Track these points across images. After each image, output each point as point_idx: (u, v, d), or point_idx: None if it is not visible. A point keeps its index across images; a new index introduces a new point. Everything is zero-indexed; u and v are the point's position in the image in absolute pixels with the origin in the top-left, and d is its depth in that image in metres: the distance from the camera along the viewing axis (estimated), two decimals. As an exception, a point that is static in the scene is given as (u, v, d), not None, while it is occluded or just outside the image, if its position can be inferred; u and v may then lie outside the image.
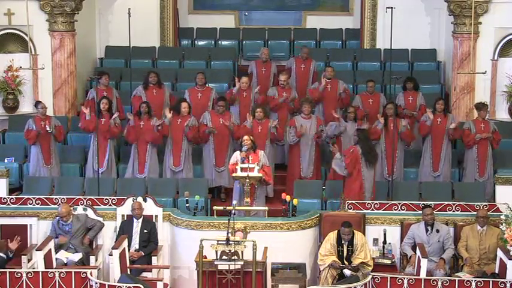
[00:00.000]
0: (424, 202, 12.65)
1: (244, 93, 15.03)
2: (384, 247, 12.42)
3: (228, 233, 11.06)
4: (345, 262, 11.78)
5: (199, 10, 19.24)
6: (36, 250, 11.43)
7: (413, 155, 14.69)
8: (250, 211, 12.72)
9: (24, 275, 10.93)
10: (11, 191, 13.77)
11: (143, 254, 12.23)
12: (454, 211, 12.56)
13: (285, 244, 12.15)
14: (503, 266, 11.31)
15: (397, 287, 10.79)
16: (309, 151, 14.24)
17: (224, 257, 11.11)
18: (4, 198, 12.84)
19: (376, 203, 12.67)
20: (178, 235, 12.47)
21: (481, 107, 14.40)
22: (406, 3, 16.97)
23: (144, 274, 12.08)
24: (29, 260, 12.03)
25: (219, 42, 18.53)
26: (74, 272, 10.99)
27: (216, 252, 11.13)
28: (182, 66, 17.46)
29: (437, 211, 12.45)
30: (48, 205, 12.75)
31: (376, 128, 14.22)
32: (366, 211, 12.54)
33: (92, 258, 12.13)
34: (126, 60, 17.06)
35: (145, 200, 12.65)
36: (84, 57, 16.86)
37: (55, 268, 11.36)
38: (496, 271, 11.53)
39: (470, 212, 12.46)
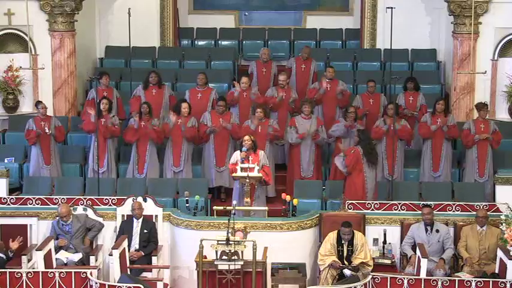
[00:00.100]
0: (424, 202, 12.65)
1: (244, 93, 15.02)
2: (384, 247, 12.42)
3: (228, 233, 11.06)
4: (345, 262, 11.77)
5: (199, 10, 19.26)
6: (36, 250, 11.42)
7: (414, 155, 14.69)
8: (250, 211, 12.72)
9: (24, 275, 10.93)
10: (11, 191, 13.77)
11: (143, 254, 12.23)
12: (454, 211, 12.56)
13: (285, 244, 12.14)
14: (503, 266, 11.31)
15: (397, 287, 10.79)
16: (309, 151, 14.24)
17: (224, 257, 11.11)
18: (4, 198, 12.84)
19: (376, 203, 12.66)
20: (178, 235, 12.47)
21: (481, 107, 14.40)
22: (406, 3, 16.97)
23: (144, 274, 12.08)
24: (29, 260, 12.03)
25: (219, 42, 18.54)
26: (74, 272, 10.99)
27: (216, 252, 11.13)
28: (182, 66, 17.46)
29: (437, 211, 12.45)
30: (48, 205, 12.75)
31: (379, 127, 14.21)
32: (366, 211, 12.54)
33: (92, 258, 12.13)
34: (126, 60, 17.06)
35: (145, 200, 12.64)
36: (84, 57, 16.86)
37: (55, 268, 11.36)
38: (496, 271, 11.53)
39: (470, 212, 12.45)
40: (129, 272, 11.64)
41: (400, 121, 14.14)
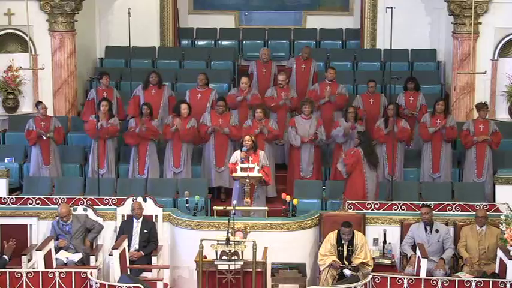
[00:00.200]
0: (424, 202, 12.65)
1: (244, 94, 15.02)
2: (384, 247, 12.41)
3: (228, 233, 11.06)
4: (345, 262, 11.77)
5: (199, 10, 19.26)
6: (36, 250, 11.42)
7: (414, 155, 14.68)
8: (250, 211, 12.72)
9: (24, 275, 10.92)
10: (11, 191, 13.78)
11: (143, 254, 12.23)
12: (454, 211, 12.55)
13: (285, 244, 12.14)
14: (503, 266, 11.31)
15: (397, 287, 10.78)
16: (309, 151, 14.23)
17: (224, 257, 11.11)
18: (4, 198, 12.83)
19: (376, 203, 12.66)
20: (178, 235, 12.47)
21: (481, 107, 14.39)
22: (406, 3, 16.96)
23: (144, 274, 12.08)
24: (29, 260, 12.03)
25: (219, 42, 18.54)
26: (74, 272, 10.98)
27: (216, 252, 11.13)
28: (182, 66, 17.46)
29: (437, 211, 12.45)
30: (48, 205, 12.74)
31: (379, 128, 14.21)
32: (366, 211, 12.53)
33: (92, 258, 12.13)
34: (126, 60, 17.06)
35: (145, 200, 12.64)
36: (84, 57, 16.86)
37: (55, 268, 11.36)
38: (496, 271, 11.53)
39: (470, 212, 12.45)
40: (129, 272, 11.63)
41: (400, 122, 14.12)
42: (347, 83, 16.30)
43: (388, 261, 12.25)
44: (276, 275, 11.60)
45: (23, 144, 14.75)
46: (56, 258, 11.81)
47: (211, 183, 14.26)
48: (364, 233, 12.23)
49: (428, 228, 12.14)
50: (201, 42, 18.62)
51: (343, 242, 11.86)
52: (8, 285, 10.85)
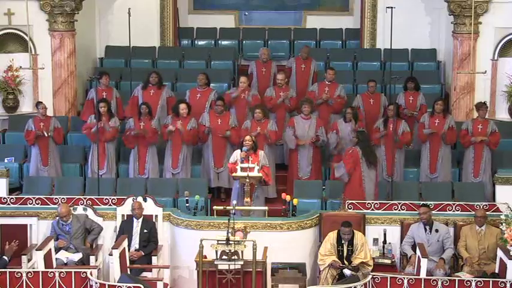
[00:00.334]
0: (424, 202, 12.65)
1: (242, 94, 15.00)
2: (384, 247, 12.41)
3: (228, 233, 11.06)
4: (345, 262, 11.77)
5: (199, 10, 19.26)
6: (36, 250, 11.41)
7: (413, 155, 14.68)
8: (249, 211, 12.71)
9: (24, 275, 10.92)
10: (11, 191, 13.78)
11: (143, 253, 12.23)
12: (454, 211, 12.55)
13: (285, 244, 12.14)
14: (503, 266, 11.31)
15: (397, 287, 10.78)
16: (307, 151, 14.21)
17: (224, 257, 11.11)
18: (4, 198, 12.83)
19: (376, 203, 12.66)
20: (178, 235, 12.47)
21: (479, 106, 14.39)
22: (406, 3, 16.96)
23: (144, 274, 12.08)
24: (29, 260, 12.02)
25: (219, 42, 18.54)
26: (74, 272, 10.98)
27: (216, 252, 11.13)
28: (182, 66, 17.45)
29: (437, 211, 12.46)
30: (48, 205, 12.74)
31: (377, 129, 14.22)
32: (366, 211, 12.53)
33: (92, 258, 12.13)
34: (126, 60, 17.05)
35: (145, 200, 12.64)
36: (84, 57, 16.86)
37: (55, 268, 11.35)
38: (496, 271, 11.52)
39: (470, 212, 12.44)
40: (129, 272, 11.63)
41: (400, 123, 14.10)
42: (347, 83, 16.30)
43: (388, 261, 12.25)
44: (276, 275, 11.60)
45: (23, 144, 14.75)
46: (56, 258, 11.81)
47: (210, 183, 14.26)
48: (364, 233, 12.23)
49: (427, 228, 12.14)
50: (201, 42, 18.62)
51: (343, 241, 11.86)
52: (8, 285, 10.85)
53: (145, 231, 12.36)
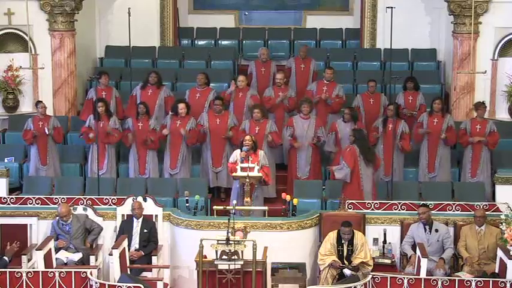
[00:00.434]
0: (424, 202, 12.65)
1: (240, 93, 14.99)
2: (384, 247, 12.42)
3: (228, 233, 11.06)
4: (345, 262, 11.77)
5: (199, 10, 19.26)
6: (36, 250, 11.42)
7: (413, 154, 14.67)
8: (249, 211, 12.71)
9: (24, 274, 10.92)
10: (11, 190, 13.78)
11: (143, 253, 12.23)
12: (454, 211, 12.55)
13: (285, 244, 12.14)
14: (503, 266, 11.31)
15: (397, 286, 10.78)
16: (306, 151, 14.21)
17: (224, 257, 11.11)
18: (4, 198, 12.84)
19: (376, 203, 12.66)
20: (178, 235, 12.47)
21: (478, 106, 14.40)
22: (406, 3, 16.95)
23: (144, 274, 12.08)
24: (29, 260, 12.03)
25: (219, 42, 18.54)
26: (74, 271, 10.98)
27: (216, 252, 11.13)
28: (182, 66, 17.45)
29: (437, 211, 12.46)
30: (48, 205, 12.74)
31: (375, 129, 14.22)
32: (366, 211, 12.53)
33: (92, 258, 12.13)
34: (126, 60, 17.05)
35: (145, 200, 12.64)
36: (84, 57, 16.86)
37: (55, 268, 11.36)
38: (496, 271, 11.53)
39: (470, 211, 12.44)
40: (129, 272, 11.64)
41: (399, 123, 14.10)
42: (347, 82, 16.29)
43: (388, 261, 12.26)
44: (276, 275, 11.60)
45: (23, 144, 14.74)
46: (56, 258, 11.82)
47: (209, 183, 14.25)
48: (364, 233, 12.23)
49: (427, 228, 12.14)
50: (201, 42, 18.62)
51: (343, 241, 11.86)
52: (8, 285, 10.85)
53: (145, 231, 12.36)
